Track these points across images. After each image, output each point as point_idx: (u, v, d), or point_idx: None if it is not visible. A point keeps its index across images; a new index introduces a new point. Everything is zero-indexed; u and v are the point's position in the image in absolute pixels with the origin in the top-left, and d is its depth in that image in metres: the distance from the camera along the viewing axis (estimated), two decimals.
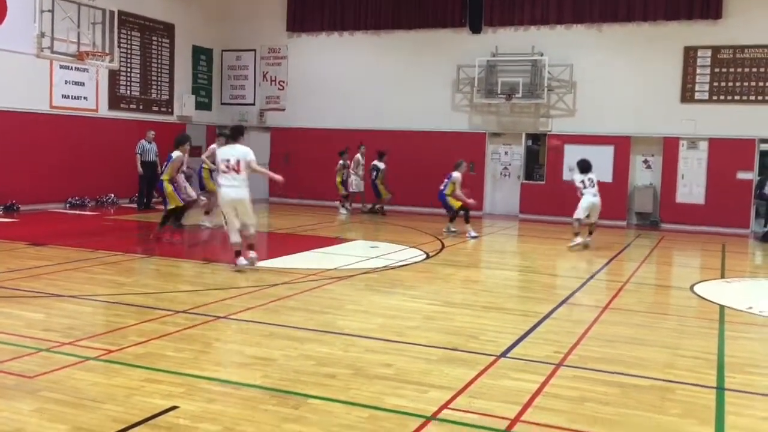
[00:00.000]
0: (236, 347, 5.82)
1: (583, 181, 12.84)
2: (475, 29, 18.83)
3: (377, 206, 17.77)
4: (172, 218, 11.90)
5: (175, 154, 11.75)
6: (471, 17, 18.84)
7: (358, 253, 11.33)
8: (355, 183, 17.66)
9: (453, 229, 14.04)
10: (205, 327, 6.45)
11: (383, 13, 19.69)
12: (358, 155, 17.57)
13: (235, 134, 9.56)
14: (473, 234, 13.67)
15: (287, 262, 10.22)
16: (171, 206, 11.58)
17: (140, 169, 16.86)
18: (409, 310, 7.42)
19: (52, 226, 13.58)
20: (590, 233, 13.03)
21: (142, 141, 17.07)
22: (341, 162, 17.56)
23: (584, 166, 12.97)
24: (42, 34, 12.99)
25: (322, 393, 4.80)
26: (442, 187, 14.23)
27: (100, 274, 8.91)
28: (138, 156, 16.88)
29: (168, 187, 11.54)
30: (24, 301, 7.28)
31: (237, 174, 9.13)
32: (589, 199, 12.70)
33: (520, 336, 6.47)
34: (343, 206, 17.73)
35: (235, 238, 9.28)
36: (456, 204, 13.91)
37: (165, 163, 12.01)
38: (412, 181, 18.91)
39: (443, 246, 12.37)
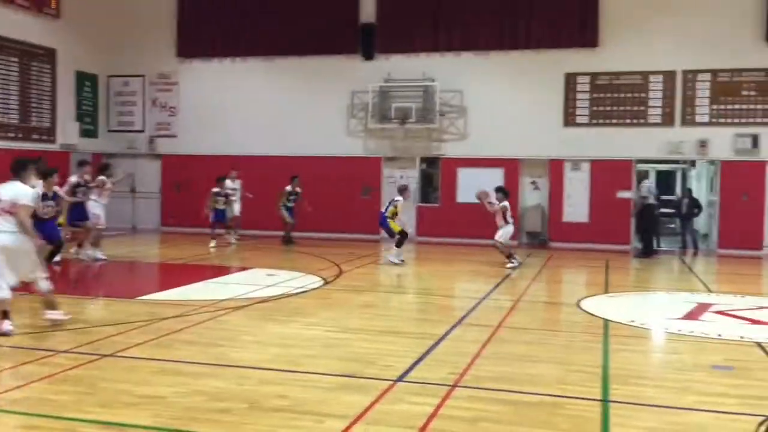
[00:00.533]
0: (123, 386, 5.55)
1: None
2: (368, 56, 19.09)
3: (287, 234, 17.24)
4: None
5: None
6: (364, 44, 19.09)
7: (254, 281, 11.13)
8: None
9: (396, 261, 13.71)
10: (90, 366, 6.12)
11: (276, 40, 19.61)
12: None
13: (15, 168, 7.47)
14: (395, 260, 13.64)
15: (180, 293, 9.91)
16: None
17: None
18: (306, 338, 7.34)
19: None
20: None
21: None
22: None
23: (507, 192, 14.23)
24: None
25: (216, 430, 4.66)
26: (383, 210, 14.36)
27: None
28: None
29: None
30: None
31: (9, 216, 7.18)
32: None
33: (417, 359, 6.52)
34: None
35: (2, 294, 7.17)
36: (396, 228, 13.84)
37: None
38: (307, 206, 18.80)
39: (341, 271, 12.35)
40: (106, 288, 10.48)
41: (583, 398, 5.46)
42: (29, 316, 8.29)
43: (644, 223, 16.41)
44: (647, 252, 16.11)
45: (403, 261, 13.75)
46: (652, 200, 16.37)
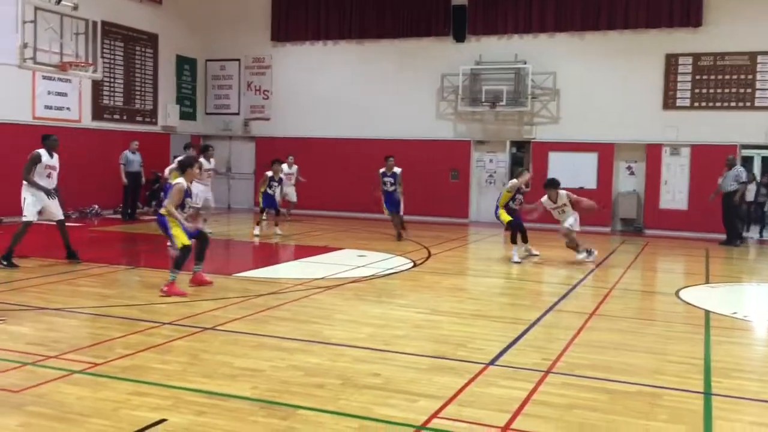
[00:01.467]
0: (224, 359, 5.79)
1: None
2: (459, 38, 18.94)
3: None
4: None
5: (177, 182, 8.63)
6: (455, 26, 18.94)
7: (345, 262, 11.31)
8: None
9: (533, 252, 12.71)
10: (192, 338, 6.40)
11: (367, 23, 19.75)
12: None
13: None
14: (516, 259, 12.02)
15: (274, 271, 10.19)
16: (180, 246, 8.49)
17: (125, 179, 16.81)
18: (397, 319, 7.42)
19: (36, 239, 13.41)
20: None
21: (126, 152, 17.02)
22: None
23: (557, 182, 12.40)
24: (24, 45, 12.86)
25: (310, 404, 4.78)
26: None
27: (85, 286, 8.83)
28: (122, 167, 16.85)
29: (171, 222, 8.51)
30: (9, 314, 7.20)
31: None
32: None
33: (508, 344, 6.48)
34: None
35: None
36: (505, 218, 12.23)
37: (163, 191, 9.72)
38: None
39: (429, 254, 12.38)
40: (204, 264, 10.86)
41: (682, 390, 5.29)
42: (137, 289, 8.75)
43: (730, 211, 15.51)
44: (731, 240, 15.30)
45: (519, 261, 11.97)
46: (736, 187, 15.44)
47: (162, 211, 8.49)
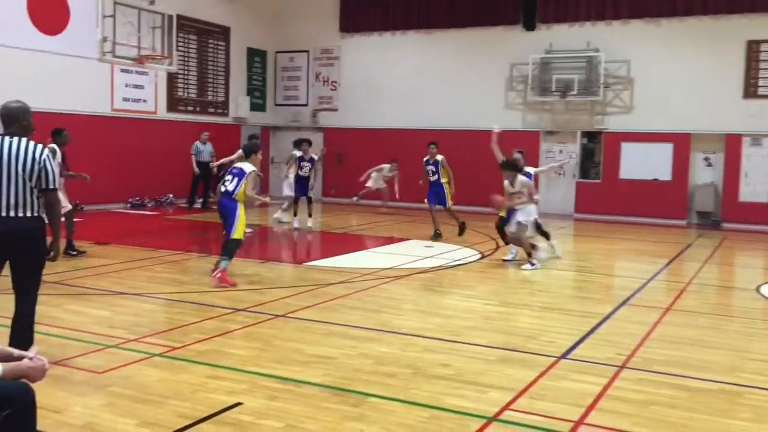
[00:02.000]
0: (296, 345, 5.89)
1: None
2: (529, 26, 18.62)
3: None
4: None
5: (248, 167, 8.52)
6: (525, 14, 18.63)
7: (412, 252, 11.32)
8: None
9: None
10: (266, 325, 6.54)
11: (435, 12, 19.64)
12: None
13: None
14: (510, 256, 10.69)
15: (343, 261, 10.29)
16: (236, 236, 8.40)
17: (196, 169, 17.27)
18: (466, 310, 7.39)
19: (114, 226, 13.97)
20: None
21: (197, 142, 17.47)
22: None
23: (517, 165, 10.77)
24: (104, 39, 13.36)
25: (381, 392, 4.82)
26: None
27: (162, 272, 9.13)
28: (193, 157, 17.31)
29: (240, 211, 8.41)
30: (91, 298, 7.51)
31: None
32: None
33: (580, 337, 6.37)
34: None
35: None
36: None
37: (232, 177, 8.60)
38: (465, 181, 18.78)
39: (498, 246, 12.27)
40: (276, 253, 11.10)
41: (764, 388, 5.10)
42: (210, 276, 8.96)
43: None
44: None
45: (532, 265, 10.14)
46: None
47: (236, 197, 8.26)
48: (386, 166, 17.99)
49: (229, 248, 8.27)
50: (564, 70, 18.08)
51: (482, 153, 18.66)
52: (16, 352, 3.37)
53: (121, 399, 4.56)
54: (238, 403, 4.50)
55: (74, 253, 9.74)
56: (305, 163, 13.46)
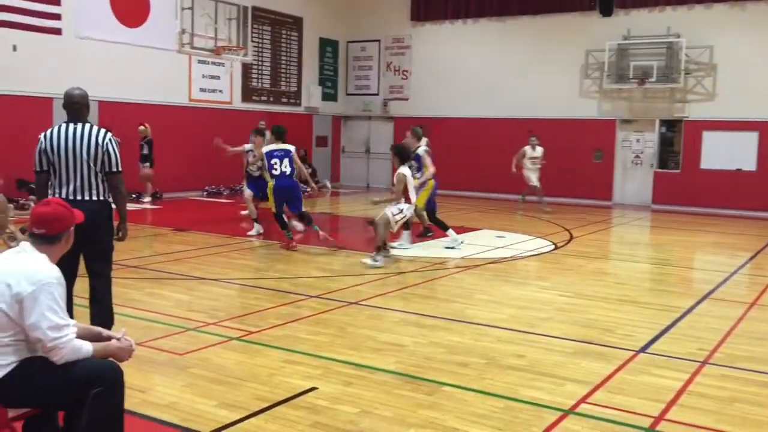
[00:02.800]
0: (369, 333, 5.93)
1: (414, 178, 9.53)
2: (606, 12, 18.12)
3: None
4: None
5: (291, 147, 10.23)
6: (601, 0, 18.13)
7: (484, 242, 11.22)
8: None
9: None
10: (338, 312, 6.61)
11: (508, 0, 19.33)
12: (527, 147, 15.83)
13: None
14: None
15: (414, 250, 10.28)
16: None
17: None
18: (540, 301, 7.28)
19: (192, 213, 14.37)
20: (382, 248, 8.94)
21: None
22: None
23: (406, 155, 9.45)
24: (182, 31, 13.72)
25: (455, 381, 4.80)
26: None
27: (238, 259, 9.34)
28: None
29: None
30: (171, 283, 7.76)
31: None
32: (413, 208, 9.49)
33: (660, 331, 6.18)
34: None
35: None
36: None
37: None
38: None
39: (572, 236, 12.03)
40: (346, 241, 11.14)
41: None
42: (285, 263, 9.13)
43: None
44: None
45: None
46: None
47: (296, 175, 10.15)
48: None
49: (310, 216, 10.24)
50: (642, 57, 17.53)
51: (555, 142, 18.38)
52: (105, 332, 3.51)
53: (201, 380, 4.69)
54: (314, 388, 4.57)
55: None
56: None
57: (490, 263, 9.35)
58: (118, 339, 3.41)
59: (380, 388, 4.62)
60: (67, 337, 3.04)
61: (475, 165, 19.49)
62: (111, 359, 3.31)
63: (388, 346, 5.55)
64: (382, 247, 8.88)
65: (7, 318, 2.99)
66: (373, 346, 5.56)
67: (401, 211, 9.13)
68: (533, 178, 15.59)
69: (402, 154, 9.34)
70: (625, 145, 18.43)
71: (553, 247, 10.92)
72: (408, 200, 9.19)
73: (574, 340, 5.87)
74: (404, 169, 9.16)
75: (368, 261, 8.75)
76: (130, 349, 3.41)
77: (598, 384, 4.79)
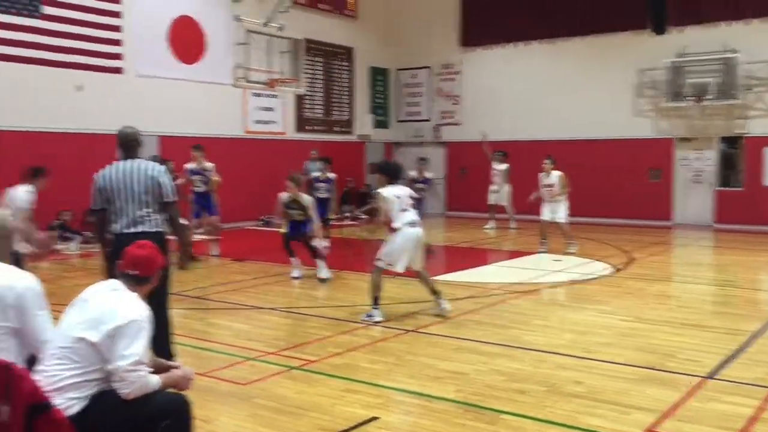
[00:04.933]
0: (427, 360, 5.92)
1: (400, 198, 7.46)
2: (659, 30, 17.87)
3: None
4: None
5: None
6: (654, 17, 17.90)
7: (540, 266, 11.11)
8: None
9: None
10: (396, 340, 6.62)
11: (558, 21, 19.26)
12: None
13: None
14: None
15: (469, 275, 10.24)
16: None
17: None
18: (600, 326, 7.16)
19: (249, 243, 14.63)
20: (436, 295, 7.62)
21: (307, 161, 17.75)
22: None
23: (397, 171, 7.88)
24: (238, 66, 14.09)
25: (515, 409, 4.75)
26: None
27: (295, 287, 9.47)
28: (303, 176, 17.50)
29: None
30: (231, 312, 7.91)
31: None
32: (413, 233, 7.42)
33: (727, 356, 6.00)
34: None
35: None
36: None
37: None
38: (593, 192, 18.29)
39: (631, 259, 11.80)
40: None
41: None
42: (342, 291, 9.20)
43: None
44: None
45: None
46: None
47: None
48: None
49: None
50: (698, 74, 17.18)
51: (609, 162, 18.12)
52: (165, 362, 3.63)
53: (264, 410, 4.76)
54: (375, 418, 4.58)
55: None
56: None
57: (546, 287, 9.24)
58: (178, 368, 3.52)
59: (441, 418, 4.61)
60: (142, 374, 3.15)
61: (530, 188, 19.29)
62: (179, 392, 3.41)
63: (448, 374, 5.54)
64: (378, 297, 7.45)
65: (93, 350, 3.12)
66: (432, 375, 5.55)
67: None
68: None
69: (388, 172, 7.71)
70: (683, 163, 18.03)
71: (612, 270, 10.73)
72: (389, 225, 7.46)
73: (637, 366, 5.75)
74: (387, 191, 7.46)
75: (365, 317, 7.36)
76: (191, 377, 3.52)
77: (666, 412, 4.68)
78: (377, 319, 7.27)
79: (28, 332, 3.23)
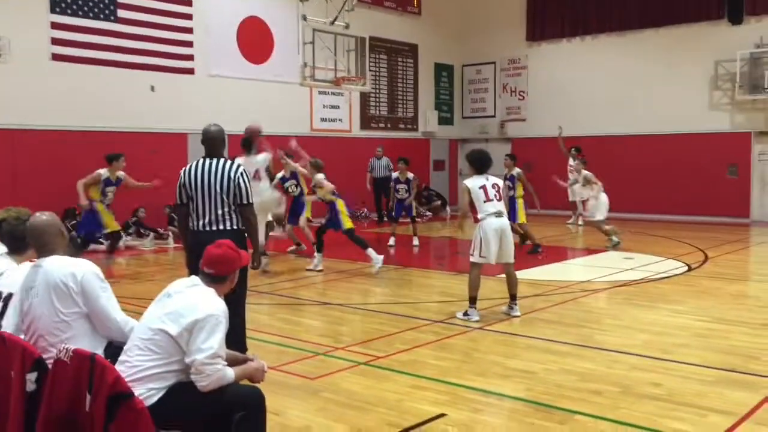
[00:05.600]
0: (495, 358, 5.86)
1: (484, 189, 7.27)
2: (736, 20, 17.19)
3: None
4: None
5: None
6: (730, 7, 17.22)
7: (611, 264, 10.84)
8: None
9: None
10: (463, 337, 6.58)
11: (629, 13, 18.74)
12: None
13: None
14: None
15: (537, 273, 10.08)
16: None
17: (368, 186, 17.46)
18: (676, 327, 6.93)
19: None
20: (512, 299, 7.48)
21: (372, 158, 17.79)
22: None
23: (483, 161, 7.51)
24: (304, 65, 14.24)
25: (588, 410, 4.65)
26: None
27: (362, 284, 9.52)
28: (369, 174, 17.59)
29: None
30: (300, 308, 8.01)
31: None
32: (495, 224, 7.20)
33: None
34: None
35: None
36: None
37: None
38: (664, 188, 17.77)
39: (706, 257, 11.40)
40: (464, 265, 11.12)
41: None
42: (407, 288, 9.20)
43: None
44: None
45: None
46: None
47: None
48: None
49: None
50: None
51: (684, 158, 17.54)
52: (240, 355, 3.71)
53: (333, 404, 4.80)
54: (443, 414, 4.56)
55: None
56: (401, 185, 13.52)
57: (618, 286, 9.01)
58: (252, 360, 3.60)
59: (510, 416, 4.55)
60: (218, 367, 3.23)
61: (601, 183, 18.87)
62: (253, 384, 3.47)
63: (517, 373, 5.47)
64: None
65: (172, 342, 3.23)
66: (500, 373, 5.49)
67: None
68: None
69: (473, 162, 7.50)
70: (763, 158, 17.30)
71: (686, 268, 10.39)
72: (475, 215, 7.47)
73: (715, 368, 5.55)
74: (471, 181, 7.37)
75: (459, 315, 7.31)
76: (264, 370, 3.59)
77: (745, 415, 4.51)
78: (474, 318, 7.10)
79: (96, 314, 3.51)
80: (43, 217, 3.69)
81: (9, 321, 3.63)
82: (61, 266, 3.50)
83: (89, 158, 13.50)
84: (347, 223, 10.16)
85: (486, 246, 7.15)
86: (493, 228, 7.15)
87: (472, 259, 7.28)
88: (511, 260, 7.36)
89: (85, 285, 3.46)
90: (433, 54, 21.25)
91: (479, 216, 7.25)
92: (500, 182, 7.51)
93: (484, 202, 7.20)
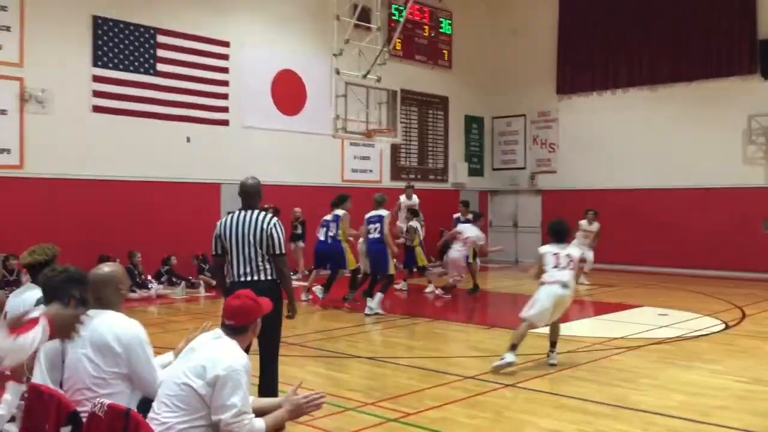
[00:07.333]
0: (527, 417, 5.74)
1: (557, 256, 7.68)
2: None
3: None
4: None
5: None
6: (763, 62, 17.20)
7: (645, 320, 10.64)
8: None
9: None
10: (494, 394, 6.47)
11: (659, 67, 18.80)
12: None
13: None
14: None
15: (569, 328, 9.90)
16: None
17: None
18: (714, 387, 6.75)
19: (339, 289, 14.74)
20: (552, 346, 7.77)
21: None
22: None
23: (560, 232, 8.00)
24: (337, 117, 14.47)
25: None
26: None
27: (392, 336, 9.45)
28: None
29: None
30: (329, 361, 7.96)
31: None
32: (555, 291, 7.52)
33: None
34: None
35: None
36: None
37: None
38: (701, 242, 17.51)
39: (744, 314, 11.14)
40: (495, 318, 11.00)
41: None
42: (439, 342, 9.11)
43: None
44: None
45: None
46: None
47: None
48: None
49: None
50: None
51: (717, 212, 17.31)
52: (272, 401, 3.70)
53: None
54: None
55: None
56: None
57: (653, 344, 8.83)
58: (295, 393, 3.57)
59: None
60: (245, 422, 3.22)
61: (630, 238, 18.71)
62: None
63: None
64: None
65: (197, 398, 3.23)
66: None
67: None
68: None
69: (551, 231, 8.02)
70: None
71: (723, 326, 10.15)
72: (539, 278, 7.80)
73: None
74: (547, 247, 7.88)
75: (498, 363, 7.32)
76: (313, 402, 3.55)
77: None
78: (509, 360, 7.24)
79: (137, 376, 3.51)
80: (105, 269, 3.73)
81: (45, 375, 3.60)
82: (110, 324, 3.51)
83: (127, 207, 13.75)
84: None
85: (539, 310, 7.51)
86: (554, 294, 7.50)
87: (523, 314, 7.56)
88: (556, 320, 7.79)
89: (129, 349, 3.47)
90: (464, 106, 21.47)
91: (545, 279, 7.61)
92: (575, 254, 7.82)
93: (553, 267, 7.63)
